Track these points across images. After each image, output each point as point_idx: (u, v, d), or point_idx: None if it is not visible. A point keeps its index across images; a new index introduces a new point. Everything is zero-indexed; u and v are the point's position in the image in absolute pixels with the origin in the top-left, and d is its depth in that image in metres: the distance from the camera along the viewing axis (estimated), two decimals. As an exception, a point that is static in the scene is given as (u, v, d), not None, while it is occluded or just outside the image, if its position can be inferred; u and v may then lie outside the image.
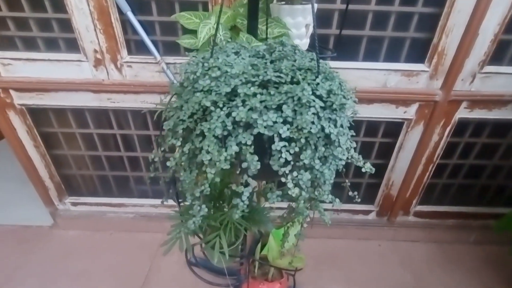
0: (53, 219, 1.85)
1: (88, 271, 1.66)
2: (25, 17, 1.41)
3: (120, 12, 1.35)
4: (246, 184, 0.64)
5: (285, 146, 0.59)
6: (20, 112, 1.62)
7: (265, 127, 0.57)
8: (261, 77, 0.63)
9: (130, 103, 1.54)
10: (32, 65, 1.51)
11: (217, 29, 0.84)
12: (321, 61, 0.75)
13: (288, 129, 0.59)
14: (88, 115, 1.65)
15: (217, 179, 0.62)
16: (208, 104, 0.60)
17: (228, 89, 0.62)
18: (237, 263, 1.38)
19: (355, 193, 0.77)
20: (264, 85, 0.65)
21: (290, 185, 0.59)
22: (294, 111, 0.60)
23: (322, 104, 0.60)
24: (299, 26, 1.08)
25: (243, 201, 0.63)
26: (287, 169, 0.59)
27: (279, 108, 0.60)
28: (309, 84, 0.64)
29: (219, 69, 0.66)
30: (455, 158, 1.70)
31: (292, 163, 0.60)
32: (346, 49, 1.37)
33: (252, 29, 0.99)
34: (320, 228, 1.79)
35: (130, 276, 1.61)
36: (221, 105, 0.61)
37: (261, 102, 0.61)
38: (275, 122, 0.59)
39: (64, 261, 1.70)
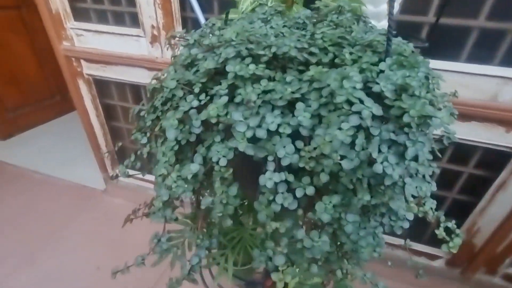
0: (105, 184, 1.83)
1: (123, 240, 1.58)
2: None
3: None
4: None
5: (285, 182, 0.28)
6: (87, 82, 1.58)
7: (249, 140, 0.27)
8: (273, 49, 0.33)
9: (177, 84, 1.36)
10: (99, 37, 1.44)
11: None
12: (398, 40, 0.41)
13: (296, 152, 0.27)
14: (143, 92, 1.54)
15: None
16: (172, 85, 0.33)
17: (212, 64, 0.33)
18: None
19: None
20: (281, 65, 0.35)
21: (280, 261, 0.29)
22: (319, 116, 0.29)
23: (379, 111, 0.27)
24: (378, 1, 0.72)
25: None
26: (282, 226, 0.29)
27: (292, 108, 0.30)
28: (363, 70, 0.31)
29: (213, 35, 0.38)
30: None
31: (295, 211, 0.29)
32: (443, 43, 0.93)
33: (311, 1, 0.67)
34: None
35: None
36: (196, 91, 0.33)
37: (263, 93, 0.31)
38: (273, 133, 0.28)
39: (106, 225, 1.65)
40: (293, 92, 0.29)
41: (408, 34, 0.93)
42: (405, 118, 0.27)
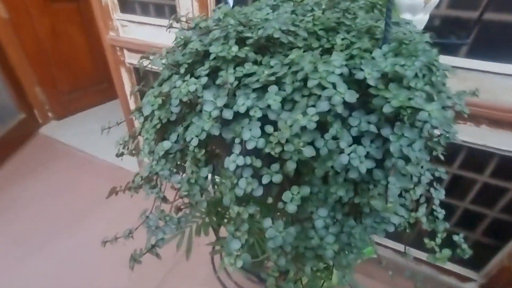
0: (139, 167, 1.95)
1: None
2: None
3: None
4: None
5: (251, 167, 0.27)
6: (128, 70, 1.68)
7: (221, 121, 0.27)
8: (260, 32, 0.32)
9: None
10: (141, 28, 1.52)
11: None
12: (411, 28, 0.37)
13: (265, 136, 0.26)
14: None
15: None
16: (158, 64, 0.33)
17: (197, 45, 0.32)
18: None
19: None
20: (272, 49, 0.33)
21: (235, 245, 0.27)
22: (293, 101, 0.27)
23: (352, 98, 0.24)
24: (412, -8, 0.66)
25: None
26: (245, 211, 0.27)
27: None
28: (353, 56, 0.29)
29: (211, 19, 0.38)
30: None
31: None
32: (488, 41, 0.83)
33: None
34: (384, 275, 1.29)
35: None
36: (182, 71, 0.33)
37: (246, 76, 0.30)
38: (244, 115, 0.27)
39: (140, 204, 1.76)
40: (269, 75, 0.28)
41: (449, 30, 0.84)
42: (385, 109, 0.24)
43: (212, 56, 0.31)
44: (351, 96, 0.24)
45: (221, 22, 0.38)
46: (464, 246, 0.36)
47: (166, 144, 0.30)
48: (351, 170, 0.25)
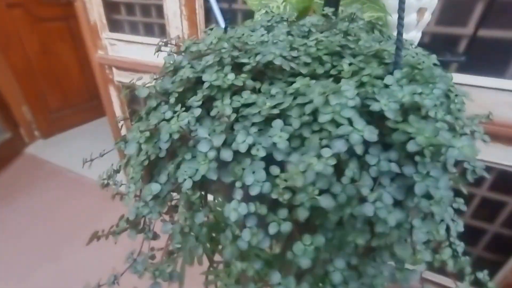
0: (129, 188, 1.87)
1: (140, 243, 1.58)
2: (133, 3, 1.38)
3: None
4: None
5: (255, 214, 0.22)
6: (117, 88, 1.63)
7: (218, 160, 0.22)
8: (258, 57, 0.28)
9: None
10: (130, 46, 1.48)
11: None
12: (418, 50, 0.34)
13: (270, 179, 0.22)
14: (166, 100, 1.55)
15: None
16: (143, 94, 0.29)
17: (189, 72, 0.28)
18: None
19: None
20: (270, 76, 0.29)
21: None
22: (300, 138, 0.23)
23: (373, 136, 0.20)
24: (407, 10, 0.64)
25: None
26: (250, 267, 0.23)
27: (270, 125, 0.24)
28: (363, 84, 0.25)
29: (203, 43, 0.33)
30: None
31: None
32: (486, 57, 0.82)
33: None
34: None
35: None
36: (172, 101, 0.29)
37: (244, 106, 0.25)
38: (244, 155, 0.22)
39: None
40: (272, 107, 0.23)
41: (442, 47, 0.83)
42: (410, 147, 0.20)
43: (206, 85, 0.27)
44: (371, 134, 0.20)
45: (212, 45, 0.34)
46: (491, 285, 0.31)
47: (155, 187, 0.25)
48: (378, 224, 0.20)
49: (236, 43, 0.29)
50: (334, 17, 0.45)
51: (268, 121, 0.24)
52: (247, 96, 0.27)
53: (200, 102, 0.26)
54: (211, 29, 0.42)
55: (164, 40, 0.40)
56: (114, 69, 1.59)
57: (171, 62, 0.32)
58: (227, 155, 0.22)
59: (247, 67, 0.27)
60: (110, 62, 1.57)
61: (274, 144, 0.22)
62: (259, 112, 0.24)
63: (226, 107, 0.24)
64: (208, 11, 1.24)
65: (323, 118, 0.20)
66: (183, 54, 0.34)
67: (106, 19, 1.47)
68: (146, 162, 0.28)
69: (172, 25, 1.29)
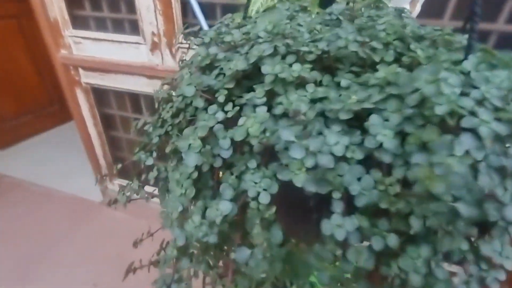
0: (103, 196, 1.72)
1: (123, 255, 1.46)
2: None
3: (182, -8, 1.07)
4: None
5: (357, 229, 0.19)
6: (85, 90, 1.48)
7: (308, 170, 0.18)
8: (321, 45, 0.24)
9: (179, 93, 1.27)
10: (98, 45, 1.34)
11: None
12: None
13: (375, 186, 0.18)
14: (142, 101, 1.44)
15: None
16: (189, 92, 0.23)
17: (241, 65, 0.24)
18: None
19: None
20: (325, 66, 0.26)
21: None
22: (401, 134, 0.19)
23: (503, 128, 0.18)
24: (401, 2, 0.63)
25: None
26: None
27: (358, 124, 0.20)
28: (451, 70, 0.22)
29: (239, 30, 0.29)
30: None
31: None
32: None
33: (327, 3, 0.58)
34: None
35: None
36: (221, 100, 0.24)
37: (311, 101, 0.21)
38: (337, 159, 0.19)
39: (104, 240, 1.53)
40: (360, 101, 0.20)
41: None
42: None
43: (269, 79, 0.22)
44: (499, 126, 0.17)
45: (247, 35, 0.29)
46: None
47: (225, 206, 0.20)
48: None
49: (286, 31, 0.25)
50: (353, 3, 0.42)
51: (351, 119, 0.20)
52: (312, 90, 0.23)
53: (265, 99, 0.22)
54: (232, 20, 0.37)
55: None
56: (80, 70, 1.44)
57: (204, 54, 0.27)
58: (326, 160, 0.18)
59: (310, 56, 0.23)
60: (75, 62, 1.42)
61: (379, 144, 0.18)
62: (342, 108, 0.20)
63: (301, 103, 0.20)
64: (185, 4, 1.17)
65: (440, 109, 0.17)
66: (215, 45, 0.29)
67: (69, 15, 1.32)
68: (196, 175, 0.23)
69: (145, 20, 1.20)
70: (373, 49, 0.24)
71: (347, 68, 0.25)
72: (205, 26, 1.07)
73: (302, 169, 0.18)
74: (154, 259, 0.29)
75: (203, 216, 0.21)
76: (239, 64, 0.23)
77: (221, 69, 0.25)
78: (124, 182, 1.71)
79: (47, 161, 1.98)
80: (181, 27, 1.18)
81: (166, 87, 0.31)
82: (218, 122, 0.22)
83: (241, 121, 0.21)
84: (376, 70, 0.24)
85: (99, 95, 1.49)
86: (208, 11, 1.13)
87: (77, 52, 1.39)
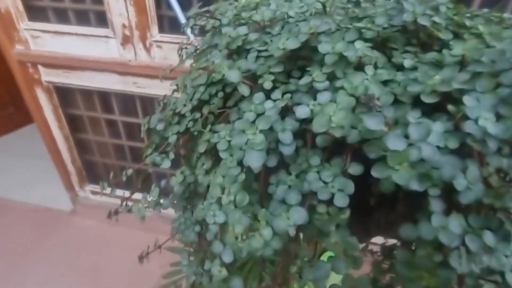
0: (73, 205, 1.57)
1: (99, 266, 1.35)
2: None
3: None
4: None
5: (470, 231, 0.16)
6: (47, 90, 1.33)
7: (414, 163, 0.15)
8: (381, 19, 0.21)
9: (157, 89, 1.18)
10: (60, 39, 1.20)
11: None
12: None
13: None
14: (114, 100, 1.32)
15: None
16: (234, 78, 0.19)
17: (293, 44, 0.20)
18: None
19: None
20: (381, 42, 0.23)
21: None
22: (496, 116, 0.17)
23: None
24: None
25: None
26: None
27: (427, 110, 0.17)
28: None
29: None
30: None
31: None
32: None
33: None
34: None
35: (141, 277, 1.27)
36: (267, 86, 0.20)
37: (388, 82, 0.18)
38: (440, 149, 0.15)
39: (77, 252, 1.40)
40: (445, 81, 0.17)
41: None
42: None
43: (330, 59, 0.18)
44: None
45: (283, 13, 0.25)
46: None
47: (300, 215, 0.16)
48: None
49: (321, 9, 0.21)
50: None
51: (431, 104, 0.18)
52: (372, 73, 0.20)
53: (327, 83, 0.18)
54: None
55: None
56: (40, 67, 1.29)
57: (234, 35, 0.23)
58: (429, 151, 0.15)
59: (369, 33, 0.20)
60: (34, 58, 1.27)
61: (479, 130, 0.15)
62: (424, 90, 0.17)
63: (374, 88, 0.17)
64: (159, -6, 1.08)
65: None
66: (247, 25, 0.25)
67: (24, 6, 1.17)
68: (243, 177, 0.18)
69: (114, 11, 1.09)
70: (435, 24, 0.21)
71: (401, 48, 0.22)
72: (181, 17, 1.00)
73: (404, 163, 0.15)
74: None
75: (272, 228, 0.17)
76: (289, 42, 0.19)
77: (259, 51, 0.21)
78: (97, 187, 1.57)
79: (4, 170, 1.77)
80: (155, 19, 1.09)
81: (180, 76, 0.26)
82: (279, 112, 0.18)
83: (304, 110, 0.17)
84: (433, 50, 0.21)
85: (64, 95, 1.34)
86: (185, 2, 1.05)
87: (36, 47, 1.24)
